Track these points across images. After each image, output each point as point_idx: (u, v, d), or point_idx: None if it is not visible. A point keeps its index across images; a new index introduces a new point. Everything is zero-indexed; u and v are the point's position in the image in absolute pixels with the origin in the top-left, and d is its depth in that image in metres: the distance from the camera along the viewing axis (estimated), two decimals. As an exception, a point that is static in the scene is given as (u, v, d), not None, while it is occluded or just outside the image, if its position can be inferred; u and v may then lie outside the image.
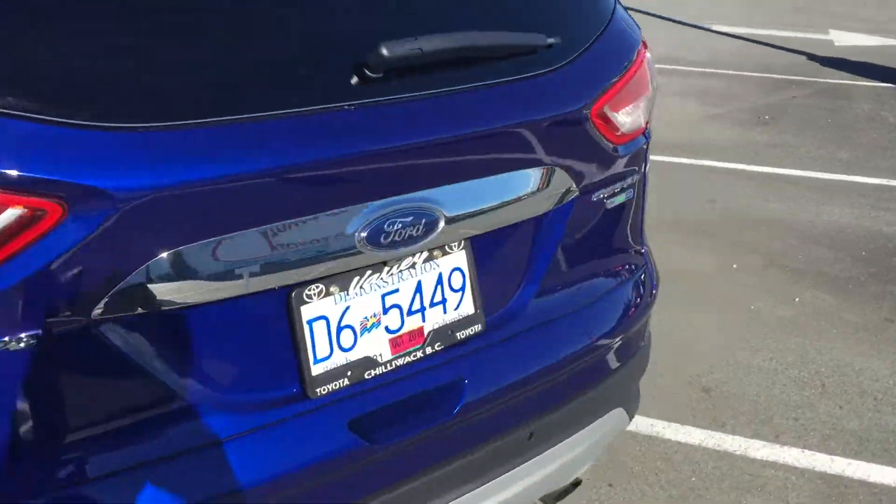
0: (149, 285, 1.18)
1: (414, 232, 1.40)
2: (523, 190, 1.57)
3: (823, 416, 3.04)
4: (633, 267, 1.94)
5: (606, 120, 1.72)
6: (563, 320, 1.72)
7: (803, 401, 3.12)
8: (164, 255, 1.18)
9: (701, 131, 6.53)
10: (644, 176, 1.93)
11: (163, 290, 1.20)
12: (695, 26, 10.91)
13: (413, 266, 1.46)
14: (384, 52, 1.30)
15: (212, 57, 1.24)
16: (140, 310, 1.19)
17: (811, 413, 3.05)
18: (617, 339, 1.85)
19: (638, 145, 1.87)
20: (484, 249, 1.57)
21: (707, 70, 8.57)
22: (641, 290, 1.94)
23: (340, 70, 1.32)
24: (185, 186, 1.18)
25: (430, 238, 1.42)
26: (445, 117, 1.43)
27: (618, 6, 1.86)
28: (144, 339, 1.23)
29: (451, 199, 1.45)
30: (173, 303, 1.21)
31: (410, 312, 1.47)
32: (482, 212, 1.52)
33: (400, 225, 1.37)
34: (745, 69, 8.54)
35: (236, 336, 1.32)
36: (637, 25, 1.91)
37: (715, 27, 10.78)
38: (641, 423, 2.96)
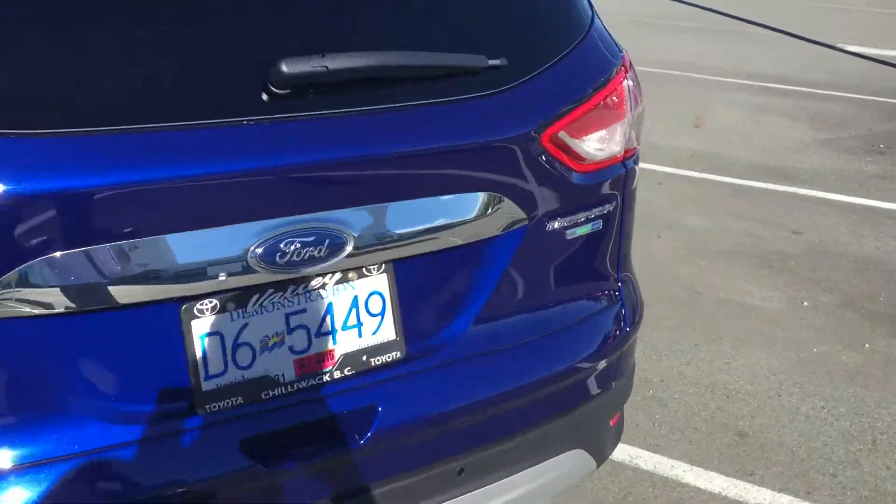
0: (23, 289, 1.19)
1: (316, 253, 1.36)
2: (456, 216, 1.51)
3: (867, 475, 2.79)
4: (601, 301, 1.83)
5: (565, 147, 1.63)
6: (507, 353, 1.64)
7: (847, 456, 2.87)
8: (41, 260, 1.19)
9: (804, 157, 6.17)
10: (623, 206, 1.82)
11: (40, 295, 1.21)
12: (822, 44, 10.35)
13: (323, 287, 1.42)
14: (284, 68, 1.27)
15: (106, 65, 1.24)
16: (17, 313, 1.20)
17: (853, 471, 2.81)
18: (574, 377, 1.74)
19: (612, 174, 1.76)
20: (411, 274, 1.52)
21: (825, 92, 8.10)
22: (609, 327, 1.82)
23: (243, 85, 1.30)
24: (69, 193, 1.19)
25: (335, 260, 1.38)
26: (358, 137, 1.38)
27: (594, 28, 1.76)
28: (27, 343, 1.24)
29: (363, 221, 1.40)
30: (52, 308, 1.22)
31: (320, 334, 1.43)
32: (403, 236, 1.46)
33: (299, 245, 1.34)
34: (868, 93, 8.03)
35: (126, 346, 1.31)
36: (618, 48, 1.80)
37: (845, 46, 10.20)
38: (661, 464, 2.81)
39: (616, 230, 1.83)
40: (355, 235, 1.39)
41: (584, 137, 1.68)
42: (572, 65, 1.66)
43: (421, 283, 1.54)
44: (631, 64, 1.85)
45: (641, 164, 5.69)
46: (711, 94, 8.03)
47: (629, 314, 1.88)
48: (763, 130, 6.85)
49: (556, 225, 1.67)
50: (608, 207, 1.77)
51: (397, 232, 1.45)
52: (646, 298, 3.82)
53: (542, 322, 1.70)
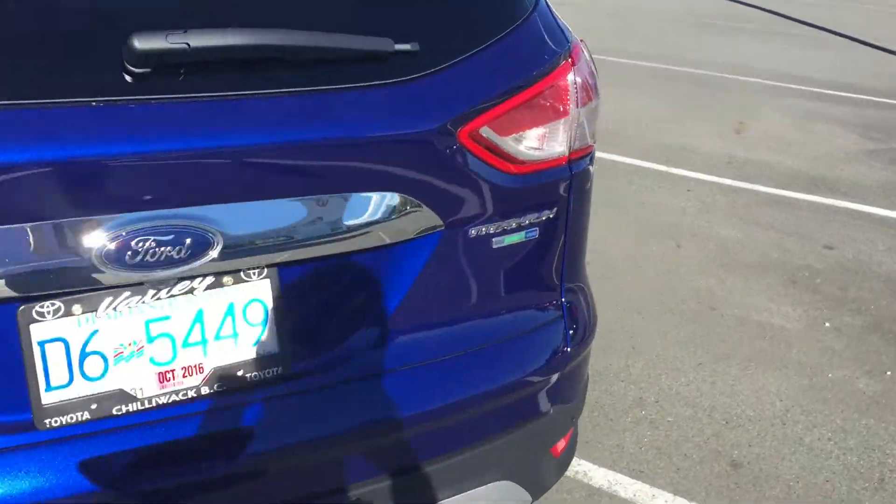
0: None
1: (175, 254, 1.21)
2: (354, 217, 1.35)
3: (868, 517, 2.55)
4: (538, 317, 1.64)
5: (490, 145, 1.45)
6: (419, 371, 1.47)
7: (850, 495, 2.63)
8: None
9: (848, 167, 5.83)
10: (570, 213, 1.64)
11: None
12: (884, 49, 9.87)
13: (191, 291, 1.28)
14: (136, 44, 1.13)
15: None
16: None
17: (853, 511, 2.57)
18: (500, 400, 1.57)
19: (554, 177, 1.58)
20: (300, 281, 1.36)
21: (882, 100, 7.70)
22: (547, 346, 1.64)
23: (99, 61, 1.16)
24: None
25: (198, 263, 1.23)
26: (231, 125, 1.23)
27: (538, 13, 1.57)
28: None
29: (236, 220, 1.25)
30: None
31: (187, 344, 1.29)
32: (290, 239, 1.30)
33: (154, 244, 1.19)
34: (929, 102, 7.61)
35: (-41, 349, 1.19)
36: (566, 37, 1.62)
37: (909, 54, 9.72)
38: (642, 492, 2.60)
39: (560, 239, 1.64)
40: (225, 236, 1.24)
41: (514, 135, 1.50)
42: (503, 53, 1.48)
43: (312, 292, 1.38)
44: (583, 55, 1.66)
45: (672, 170, 5.44)
46: (760, 98, 7.69)
47: (573, 332, 1.69)
48: (809, 138, 6.51)
49: (481, 232, 1.49)
50: (548, 214, 1.59)
51: (282, 234, 1.30)
52: (654, 311, 3.62)
53: (463, 338, 1.53)
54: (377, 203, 1.36)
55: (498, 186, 1.49)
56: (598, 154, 5.72)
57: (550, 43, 1.57)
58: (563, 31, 1.63)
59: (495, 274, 1.56)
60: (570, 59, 1.58)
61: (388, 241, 1.39)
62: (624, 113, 6.85)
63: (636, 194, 5.10)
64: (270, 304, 1.33)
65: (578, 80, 1.59)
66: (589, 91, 1.64)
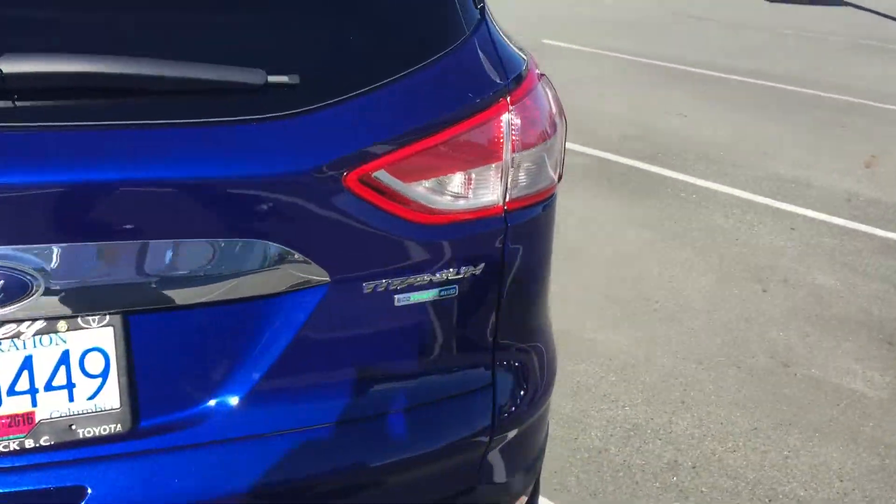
0: None
1: None
2: (212, 266, 1.20)
3: None
4: (453, 386, 1.44)
5: (387, 191, 1.28)
6: (291, 438, 1.31)
7: None
8: None
9: None
10: (505, 270, 1.43)
11: None
12: None
13: (17, 336, 1.17)
14: None
15: None
16: None
17: None
18: (396, 478, 1.38)
19: (482, 229, 1.39)
20: (152, 331, 1.22)
21: None
22: (465, 420, 1.44)
23: None
24: None
25: (14, 308, 1.12)
26: (62, 159, 1.11)
27: (476, 40, 1.38)
28: None
29: (65, 261, 1.13)
30: None
31: (12, 392, 1.18)
32: (135, 285, 1.17)
33: None
34: None
35: None
36: (511, 67, 1.41)
37: None
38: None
39: (491, 298, 1.44)
40: (51, 278, 1.12)
41: (423, 181, 1.31)
42: (417, 87, 1.30)
43: (166, 344, 1.24)
44: (535, 91, 1.45)
45: (779, 204, 5.02)
46: (903, 130, 7.02)
47: (504, 406, 1.48)
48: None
49: (379, 288, 1.32)
50: (473, 270, 1.39)
51: (129, 279, 1.17)
52: (717, 363, 3.29)
53: (352, 406, 1.36)
54: (244, 251, 1.21)
55: (401, 238, 1.31)
56: (699, 182, 5.43)
57: (487, 77, 1.38)
58: (506, 62, 1.42)
59: (399, 335, 1.37)
60: (507, 98, 1.37)
61: (257, 293, 1.24)
62: (742, 139, 6.41)
63: (732, 229, 4.71)
64: (112, 355, 1.21)
65: (518, 120, 1.39)
66: (538, 132, 1.43)
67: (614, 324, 3.59)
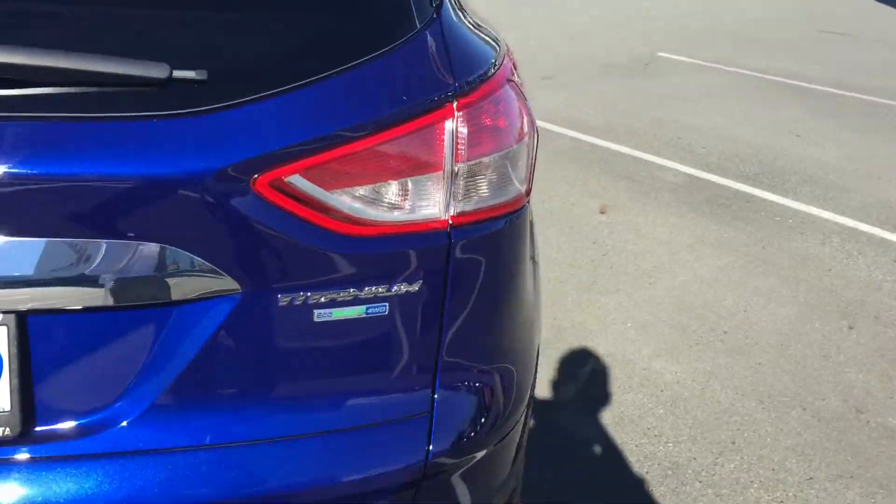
0: None
1: None
2: (112, 268, 1.15)
3: None
4: (386, 412, 1.34)
5: (305, 198, 1.19)
6: (193, 456, 1.24)
7: None
8: None
9: None
10: (450, 289, 1.33)
11: None
12: None
13: None
14: None
15: None
16: None
17: None
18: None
19: (420, 244, 1.28)
20: (51, 332, 1.18)
21: None
22: (394, 452, 1.33)
23: None
24: None
25: None
26: None
27: (429, 34, 1.28)
28: None
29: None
30: None
31: None
32: (30, 283, 1.13)
33: None
34: None
35: None
36: (464, 70, 1.30)
37: None
38: None
39: (432, 319, 1.33)
40: None
41: (350, 189, 1.22)
42: (345, 86, 1.21)
43: (67, 348, 1.20)
44: (498, 94, 1.34)
45: (885, 234, 4.65)
46: None
47: (450, 434, 1.37)
48: None
49: (297, 301, 1.23)
50: (408, 288, 1.29)
51: (18, 277, 1.13)
52: (780, 403, 3.05)
53: (264, 427, 1.27)
54: (145, 255, 1.15)
55: (322, 249, 1.22)
56: (800, 206, 5.07)
57: (432, 78, 1.27)
58: (461, 62, 1.31)
59: (319, 354, 1.28)
60: (454, 102, 1.27)
61: (160, 300, 1.18)
62: (855, 162, 5.97)
63: (826, 258, 4.37)
64: (5, 355, 1.17)
65: (466, 128, 1.28)
66: (496, 140, 1.32)
67: (673, 353, 3.38)
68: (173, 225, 1.15)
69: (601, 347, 3.37)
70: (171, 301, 1.18)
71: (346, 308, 1.25)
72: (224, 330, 1.21)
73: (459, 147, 1.27)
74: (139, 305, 1.18)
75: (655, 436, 2.87)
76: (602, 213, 4.73)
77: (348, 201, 1.22)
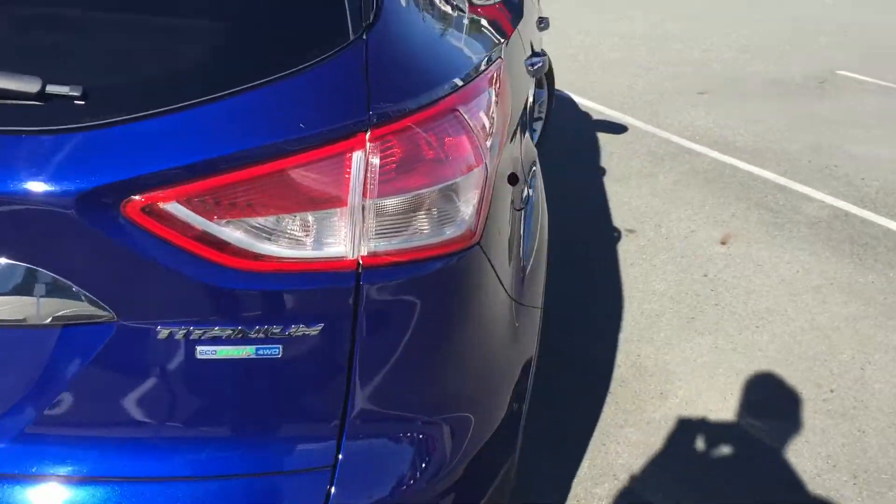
0: None
1: None
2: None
3: None
4: (279, 462, 1.23)
5: (183, 227, 1.11)
6: (63, 485, 1.19)
7: None
8: None
9: None
10: (360, 332, 1.21)
11: None
12: None
13: None
14: None
15: None
16: None
17: None
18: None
19: (322, 284, 1.18)
20: None
21: None
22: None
23: None
24: None
25: None
26: None
27: (353, 53, 1.17)
28: None
29: None
30: None
31: None
32: None
33: None
34: None
35: None
36: (391, 95, 1.17)
37: None
38: None
39: (338, 364, 1.22)
40: None
41: (238, 219, 1.13)
42: (240, 108, 1.12)
43: None
44: (425, 125, 1.20)
45: None
46: None
47: (349, 494, 1.24)
48: None
49: (177, 336, 1.15)
50: (306, 330, 1.18)
51: None
52: (877, 480, 2.67)
53: (138, 464, 1.20)
54: (10, 275, 1.11)
55: (204, 282, 1.13)
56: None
57: (348, 103, 1.15)
58: (390, 86, 1.18)
59: (205, 391, 1.19)
60: (367, 131, 1.14)
61: (28, 323, 1.13)
62: None
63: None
64: None
65: (377, 159, 1.15)
66: (424, 176, 1.18)
67: (764, 407, 3.05)
68: (44, 246, 1.10)
69: (680, 393, 3.10)
70: (41, 325, 1.13)
71: (231, 347, 1.16)
72: (98, 360, 1.15)
73: (370, 181, 1.15)
74: (13, 325, 1.13)
75: (721, 502, 2.59)
76: (723, 243, 4.38)
77: (237, 233, 1.12)
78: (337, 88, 1.15)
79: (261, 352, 1.17)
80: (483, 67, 1.42)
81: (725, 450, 2.82)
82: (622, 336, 3.46)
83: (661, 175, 5.33)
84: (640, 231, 4.45)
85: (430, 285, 1.24)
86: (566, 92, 7.33)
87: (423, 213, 1.20)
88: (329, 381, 1.22)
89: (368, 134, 1.15)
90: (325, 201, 1.14)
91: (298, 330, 1.17)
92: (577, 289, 3.79)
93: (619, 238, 4.39)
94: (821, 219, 4.83)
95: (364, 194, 1.15)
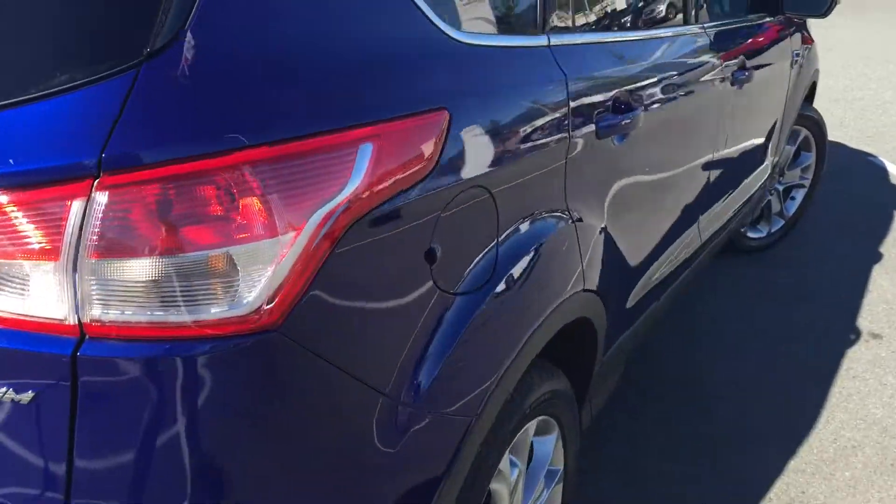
0: None
1: None
2: None
3: None
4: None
5: None
6: None
7: None
8: None
9: None
10: (72, 410, 1.02)
11: None
12: None
13: None
14: None
15: None
16: None
17: None
18: None
19: (31, 347, 1.00)
20: None
21: None
22: None
23: None
24: None
25: None
26: None
27: (119, 83, 0.99)
28: None
29: None
30: None
31: None
32: None
33: None
34: None
35: None
36: (169, 130, 0.97)
37: None
38: None
39: (55, 445, 1.03)
40: None
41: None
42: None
43: None
44: (192, 178, 0.98)
45: None
46: None
47: None
48: None
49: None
50: (14, 396, 1.01)
51: None
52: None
53: None
54: None
55: None
56: None
57: (76, 143, 0.97)
58: (167, 116, 0.97)
59: None
60: (97, 178, 0.95)
61: None
62: None
63: None
64: None
65: (102, 212, 0.95)
66: (198, 232, 0.97)
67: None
68: None
69: None
70: None
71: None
72: None
73: (91, 236, 0.94)
74: None
75: None
76: None
77: None
78: (70, 124, 0.96)
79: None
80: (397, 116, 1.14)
81: None
82: (793, 462, 2.81)
83: (955, 275, 4.33)
84: (886, 338, 3.63)
85: (191, 371, 1.00)
86: (880, 158, 6.29)
87: (173, 283, 0.97)
88: (45, 462, 1.03)
89: (97, 180, 0.94)
90: (37, 253, 0.96)
91: (7, 394, 1.00)
92: (770, 392, 3.17)
93: (854, 340, 3.62)
94: None
95: (87, 251, 0.94)
